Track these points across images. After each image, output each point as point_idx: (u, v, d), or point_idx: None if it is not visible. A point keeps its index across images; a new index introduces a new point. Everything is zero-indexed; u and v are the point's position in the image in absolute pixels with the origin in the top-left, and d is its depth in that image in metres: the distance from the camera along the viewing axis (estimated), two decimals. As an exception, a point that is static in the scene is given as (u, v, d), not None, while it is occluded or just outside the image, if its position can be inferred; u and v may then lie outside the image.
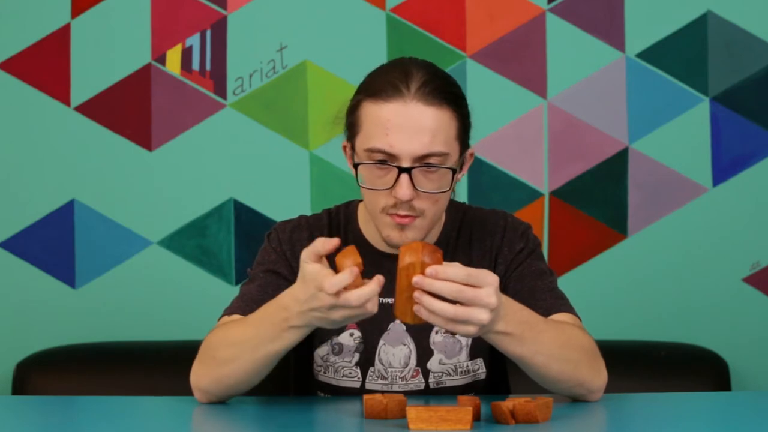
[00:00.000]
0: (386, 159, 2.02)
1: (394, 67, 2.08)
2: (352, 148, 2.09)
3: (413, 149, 2.00)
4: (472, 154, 2.13)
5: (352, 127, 2.08)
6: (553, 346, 1.96)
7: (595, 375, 2.02)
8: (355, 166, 2.05)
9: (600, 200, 3.25)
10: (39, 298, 3.22)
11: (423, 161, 2.01)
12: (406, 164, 2.01)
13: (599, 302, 3.22)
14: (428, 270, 1.80)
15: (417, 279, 1.80)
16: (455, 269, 1.81)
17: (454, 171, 2.04)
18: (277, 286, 2.11)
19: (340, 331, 2.16)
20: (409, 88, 2.02)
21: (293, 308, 1.89)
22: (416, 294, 1.80)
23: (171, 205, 3.23)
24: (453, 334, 2.16)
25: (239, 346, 1.98)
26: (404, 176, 2.01)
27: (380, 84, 2.05)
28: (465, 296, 1.80)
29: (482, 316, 1.81)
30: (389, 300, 2.11)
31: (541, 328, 1.96)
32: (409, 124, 2.01)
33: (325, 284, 1.82)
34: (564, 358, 1.97)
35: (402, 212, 2.03)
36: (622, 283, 3.25)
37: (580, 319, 2.12)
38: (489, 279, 1.82)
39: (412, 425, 1.76)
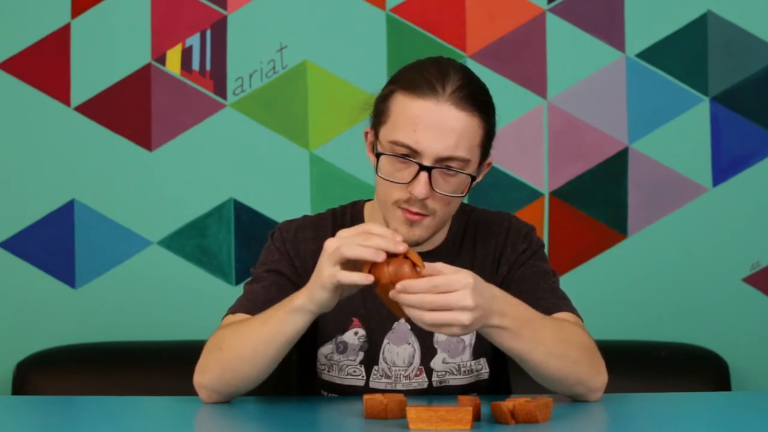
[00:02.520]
0: (409, 154, 2.02)
1: (432, 65, 2.08)
2: (376, 135, 2.09)
3: (438, 149, 2.01)
4: (489, 164, 2.14)
5: (380, 115, 2.08)
6: (552, 342, 1.96)
7: (595, 374, 2.02)
8: (377, 155, 2.05)
9: (600, 200, 3.25)
10: (39, 298, 3.22)
11: (444, 163, 2.02)
12: (427, 163, 2.02)
13: (599, 302, 3.22)
14: (398, 286, 1.83)
15: (392, 294, 1.83)
16: (419, 283, 1.83)
17: (473, 178, 2.05)
18: (281, 286, 2.12)
19: (344, 329, 2.16)
20: (445, 88, 2.02)
21: (303, 291, 1.92)
22: (400, 300, 1.84)
23: (171, 205, 3.23)
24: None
25: (246, 336, 1.98)
26: (423, 174, 2.01)
27: (416, 79, 2.05)
28: (438, 304, 1.82)
29: (462, 317, 1.82)
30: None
31: (539, 324, 1.96)
32: (438, 124, 2.01)
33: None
34: (563, 354, 1.97)
35: (414, 209, 2.04)
36: (622, 283, 3.25)
37: (581, 320, 2.12)
38: (462, 282, 1.83)
39: (412, 425, 1.76)
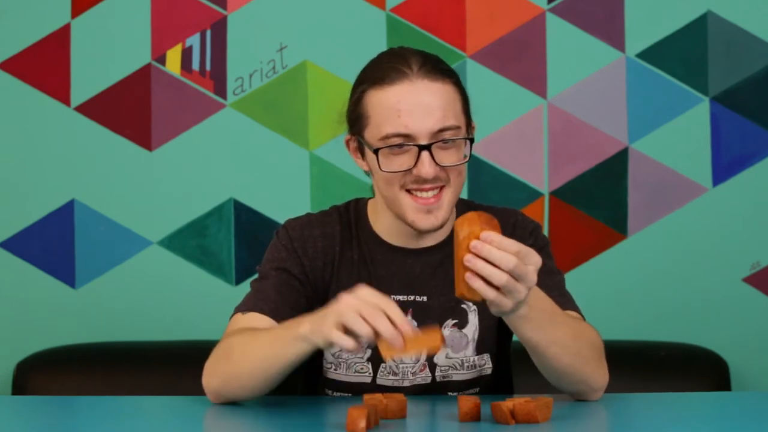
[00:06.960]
0: (403, 142, 2.03)
1: (390, 55, 2.11)
2: (361, 141, 2.08)
3: (428, 126, 2.02)
4: (473, 127, 2.15)
5: (358, 120, 2.08)
6: (568, 338, 1.97)
7: (599, 373, 2.03)
8: (375, 151, 2.05)
9: (600, 200, 3.25)
10: (39, 298, 3.22)
11: (439, 136, 2.03)
12: (424, 141, 2.02)
13: (599, 302, 3.21)
14: (483, 234, 1.79)
15: (475, 243, 1.79)
16: (511, 241, 1.80)
17: (471, 141, 2.07)
18: (290, 285, 2.12)
19: None
20: (412, 67, 2.05)
21: (311, 321, 1.90)
22: (468, 256, 1.79)
23: (171, 205, 3.23)
24: (460, 327, 2.15)
25: (254, 351, 1.98)
26: (425, 154, 2.02)
27: (381, 71, 2.07)
28: (518, 270, 1.79)
29: (523, 293, 1.82)
30: (400, 297, 2.12)
31: (559, 319, 1.97)
32: (419, 102, 2.03)
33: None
34: (576, 351, 1.98)
35: (427, 187, 2.04)
36: (622, 283, 3.25)
37: (584, 320, 2.13)
38: (535, 258, 1.82)
39: (386, 353, 1.77)
